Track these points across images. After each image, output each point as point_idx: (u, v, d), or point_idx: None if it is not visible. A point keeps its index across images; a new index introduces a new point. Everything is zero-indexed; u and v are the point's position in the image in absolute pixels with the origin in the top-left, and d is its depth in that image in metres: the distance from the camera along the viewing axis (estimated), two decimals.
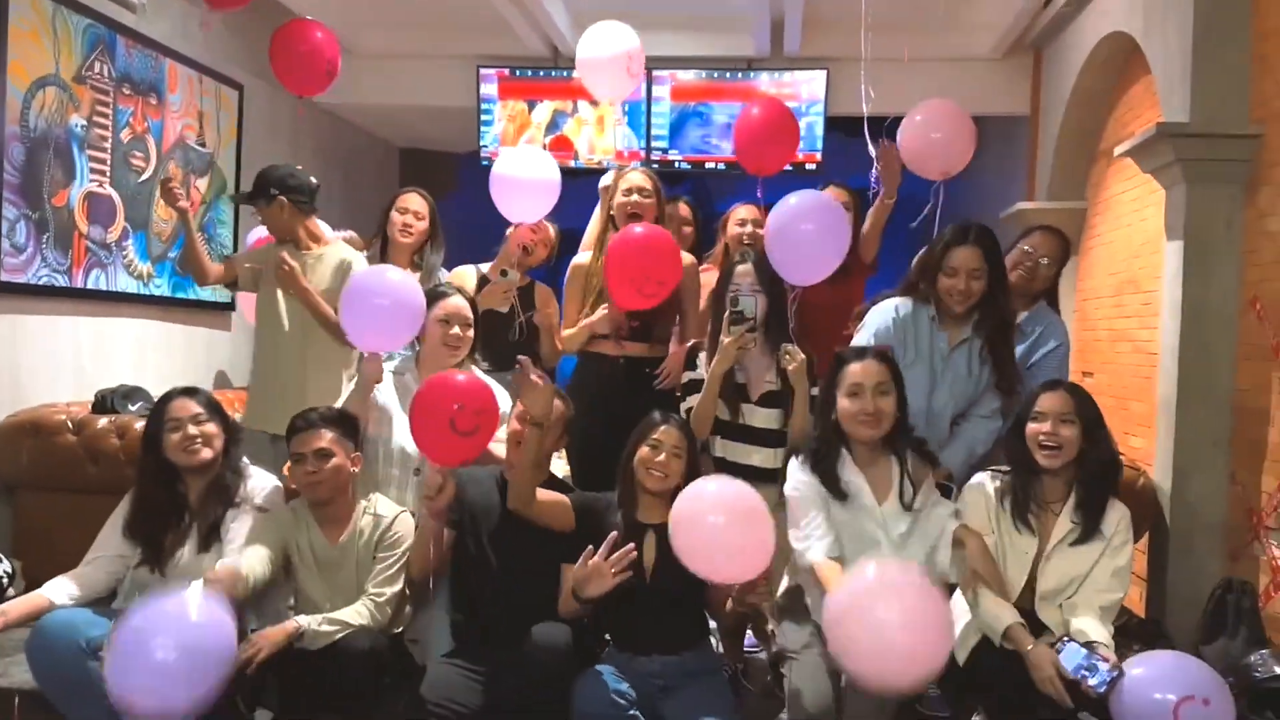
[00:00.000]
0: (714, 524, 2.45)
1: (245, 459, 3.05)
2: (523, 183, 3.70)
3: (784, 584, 2.86)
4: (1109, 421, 4.77)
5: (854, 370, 2.73)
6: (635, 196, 3.64)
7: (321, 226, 3.90)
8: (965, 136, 3.56)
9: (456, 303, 3.24)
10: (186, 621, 2.26)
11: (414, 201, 4.01)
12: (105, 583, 2.93)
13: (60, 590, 2.86)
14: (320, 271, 3.68)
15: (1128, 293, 4.90)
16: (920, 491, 2.74)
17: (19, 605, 2.83)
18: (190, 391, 3.00)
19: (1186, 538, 3.67)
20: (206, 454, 2.91)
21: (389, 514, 2.90)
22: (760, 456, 3.14)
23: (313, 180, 3.70)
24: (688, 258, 3.57)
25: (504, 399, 3.19)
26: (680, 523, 2.50)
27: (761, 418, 3.13)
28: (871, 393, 2.70)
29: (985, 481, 2.85)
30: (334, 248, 3.77)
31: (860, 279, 3.81)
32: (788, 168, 6.29)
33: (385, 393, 3.26)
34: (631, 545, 2.59)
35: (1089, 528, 2.74)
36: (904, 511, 2.72)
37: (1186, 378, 3.71)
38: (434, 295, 3.25)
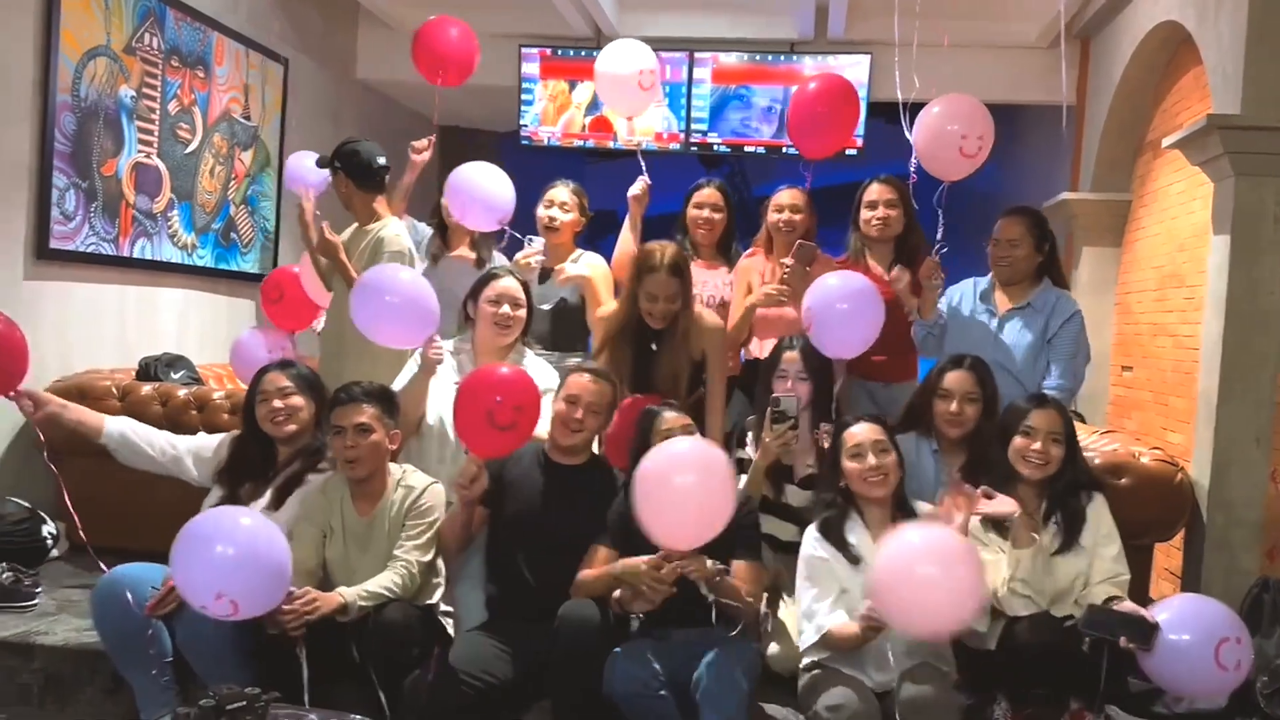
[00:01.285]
0: (681, 485, 2.47)
1: None
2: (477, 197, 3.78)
3: (806, 661, 2.82)
4: (1149, 416, 4.76)
5: (853, 433, 2.84)
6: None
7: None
8: (984, 137, 3.48)
9: (506, 283, 3.31)
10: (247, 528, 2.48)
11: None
12: (153, 443, 3.13)
13: (117, 420, 3.16)
14: (358, 244, 3.69)
15: (1170, 287, 4.84)
16: None
17: (76, 410, 3.15)
18: (284, 365, 3.14)
19: (1223, 535, 3.64)
20: (291, 427, 3.02)
21: (419, 485, 2.94)
22: (790, 532, 3.13)
23: (380, 161, 3.70)
24: (712, 318, 3.53)
25: (551, 378, 3.25)
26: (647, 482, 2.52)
27: (800, 498, 3.16)
28: (872, 451, 2.79)
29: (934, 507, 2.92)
30: (384, 224, 3.74)
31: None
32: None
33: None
34: (675, 564, 2.58)
35: (1069, 540, 2.86)
36: None
37: (1228, 374, 3.66)
38: (486, 277, 3.35)
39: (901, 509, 2.85)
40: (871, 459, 2.78)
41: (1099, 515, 2.92)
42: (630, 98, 3.89)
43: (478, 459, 2.75)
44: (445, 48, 4.13)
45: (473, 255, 3.99)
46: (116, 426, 3.14)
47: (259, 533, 2.50)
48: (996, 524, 2.88)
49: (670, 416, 2.91)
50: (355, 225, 3.75)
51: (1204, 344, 3.87)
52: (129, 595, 2.77)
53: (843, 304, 3.16)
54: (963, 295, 3.64)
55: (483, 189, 3.80)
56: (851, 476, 2.82)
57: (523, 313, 3.32)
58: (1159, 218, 5.11)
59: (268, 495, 2.99)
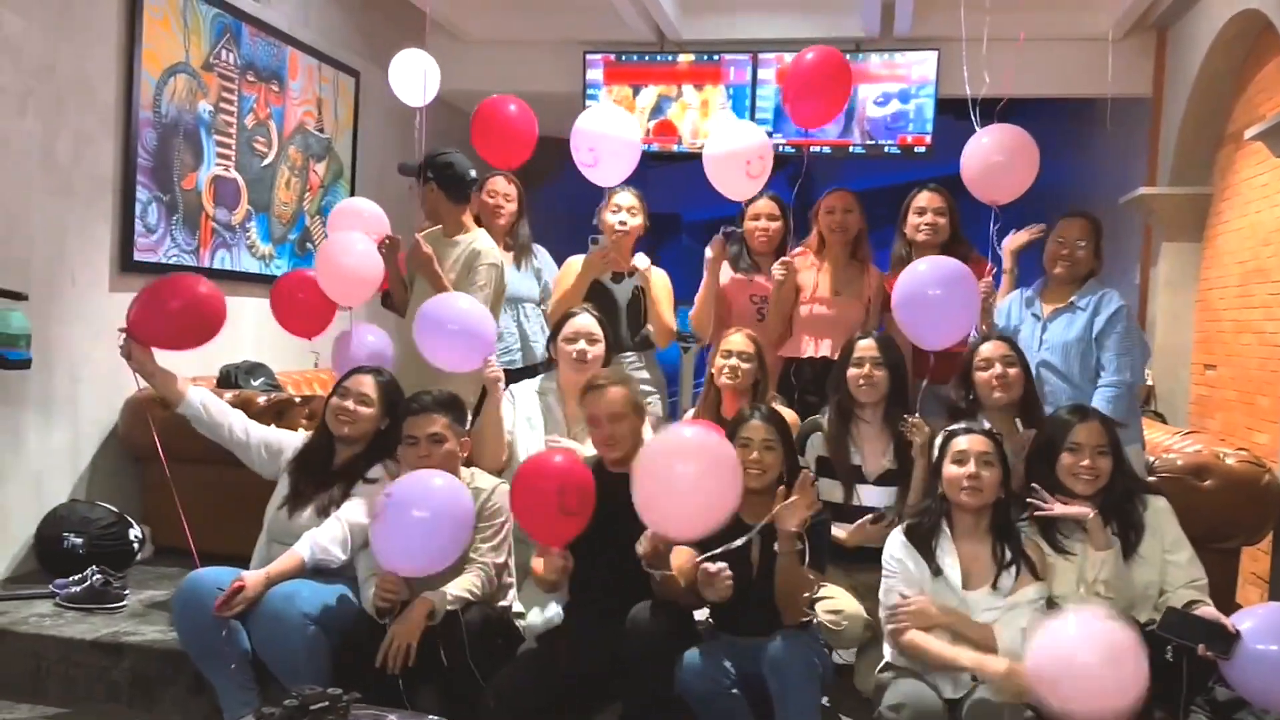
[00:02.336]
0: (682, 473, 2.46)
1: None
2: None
3: (886, 658, 2.80)
4: (1233, 416, 4.63)
5: (961, 440, 2.79)
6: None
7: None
8: (1027, 165, 3.46)
9: (580, 320, 3.38)
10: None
11: (500, 184, 4.10)
12: (224, 421, 3.28)
13: (198, 391, 3.31)
14: (450, 255, 3.70)
15: (1255, 282, 4.69)
16: (1017, 578, 2.72)
17: (164, 373, 3.27)
18: (375, 371, 3.22)
19: None
20: (345, 430, 3.11)
21: (487, 486, 2.99)
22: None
23: (471, 174, 3.74)
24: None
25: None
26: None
27: (876, 496, 3.13)
28: (976, 460, 2.73)
29: (1023, 529, 2.86)
30: (473, 237, 3.77)
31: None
32: (895, 150, 6.26)
33: (519, 411, 3.40)
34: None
35: (1127, 550, 2.80)
36: (994, 595, 2.70)
37: None
38: (564, 317, 3.43)
39: (998, 528, 2.77)
40: (972, 466, 2.73)
41: (1160, 521, 2.84)
42: (735, 180, 3.73)
43: (566, 554, 2.75)
44: (506, 126, 3.99)
45: (510, 253, 4.06)
46: (198, 396, 3.27)
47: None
48: (1046, 531, 2.82)
49: (752, 425, 2.87)
50: (433, 235, 3.75)
51: None
52: (217, 596, 2.84)
53: (936, 289, 3.11)
54: (1009, 309, 3.64)
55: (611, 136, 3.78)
56: (949, 481, 2.76)
57: (600, 348, 3.36)
58: (1241, 211, 4.97)
59: (318, 502, 3.06)
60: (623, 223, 3.85)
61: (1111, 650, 2.27)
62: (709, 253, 3.80)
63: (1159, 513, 2.86)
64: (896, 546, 2.80)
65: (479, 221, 4.00)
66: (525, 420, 3.42)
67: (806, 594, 2.71)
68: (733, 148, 3.66)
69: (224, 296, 3.32)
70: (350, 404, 3.10)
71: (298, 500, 3.09)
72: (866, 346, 3.20)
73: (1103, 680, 2.25)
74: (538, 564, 2.84)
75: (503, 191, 4.10)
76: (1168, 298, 5.62)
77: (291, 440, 3.29)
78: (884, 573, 2.80)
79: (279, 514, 3.11)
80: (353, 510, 2.99)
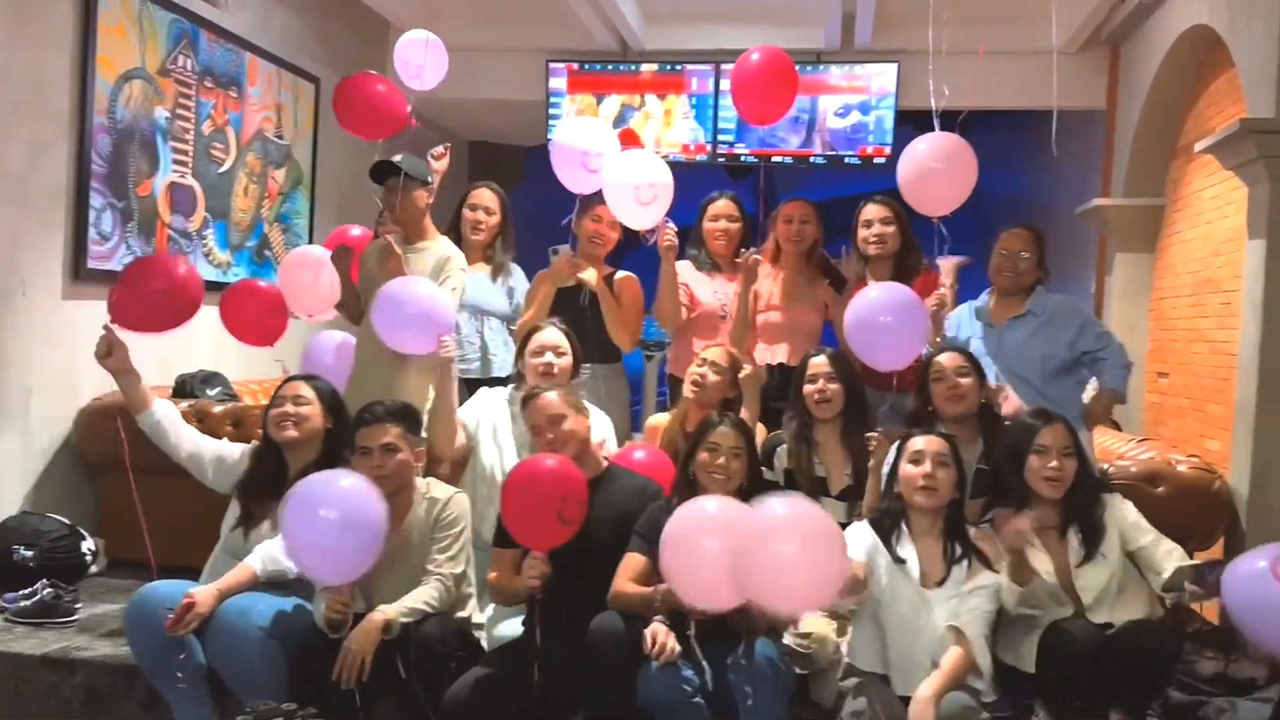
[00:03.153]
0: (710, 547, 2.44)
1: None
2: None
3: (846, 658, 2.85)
4: (1186, 423, 4.70)
5: (917, 440, 2.85)
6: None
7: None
8: (967, 174, 3.40)
9: (545, 334, 3.39)
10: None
11: (485, 197, 4.00)
12: (184, 440, 3.21)
13: (164, 405, 3.25)
14: (422, 264, 3.62)
15: (1206, 292, 4.78)
16: (969, 570, 2.78)
17: (135, 379, 3.21)
18: (310, 377, 3.20)
19: (1263, 542, 3.57)
20: (292, 433, 3.05)
21: (443, 496, 2.96)
22: None
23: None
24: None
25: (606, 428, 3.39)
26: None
27: (837, 510, 3.16)
28: (931, 460, 2.79)
29: (985, 527, 2.93)
30: (440, 243, 3.72)
31: (919, 287, 3.79)
32: (855, 161, 6.31)
33: (482, 416, 3.39)
34: None
35: (1090, 551, 2.88)
36: (948, 590, 2.75)
37: (1267, 380, 3.61)
38: (529, 332, 3.44)
39: (953, 530, 2.83)
40: (928, 466, 2.78)
41: (1120, 516, 2.93)
42: (629, 210, 3.68)
43: (546, 559, 2.73)
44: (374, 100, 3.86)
45: (488, 268, 4.01)
46: (163, 408, 3.22)
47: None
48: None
49: (722, 432, 2.89)
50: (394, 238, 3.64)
51: (1241, 349, 3.82)
52: (168, 611, 2.79)
53: (885, 316, 3.16)
54: (959, 321, 3.71)
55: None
56: (905, 481, 2.82)
57: (567, 360, 3.35)
58: (1193, 222, 5.06)
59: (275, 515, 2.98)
60: (602, 235, 3.86)
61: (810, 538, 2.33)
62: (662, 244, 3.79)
63: (1117, 510, 2.94)
64: (863, 531, 2.84)
65: (455, 231, 3.98)
66: (491, 424, 3.40)
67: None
68: (618, 179, 3.60)
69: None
70: (289, 407, 3.06)
71: (251, 520, 3.04)
72: (819, 363, 3.25)
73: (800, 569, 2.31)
74: (500, 574, 2.83)
75: (485, 205, 4.00)
76: (1122, 307, 5.71)
77: (235, 452, 3.22)
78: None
79: (234, 534, 3.06)
80: None
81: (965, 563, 2.78)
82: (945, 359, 3.22)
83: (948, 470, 2.80)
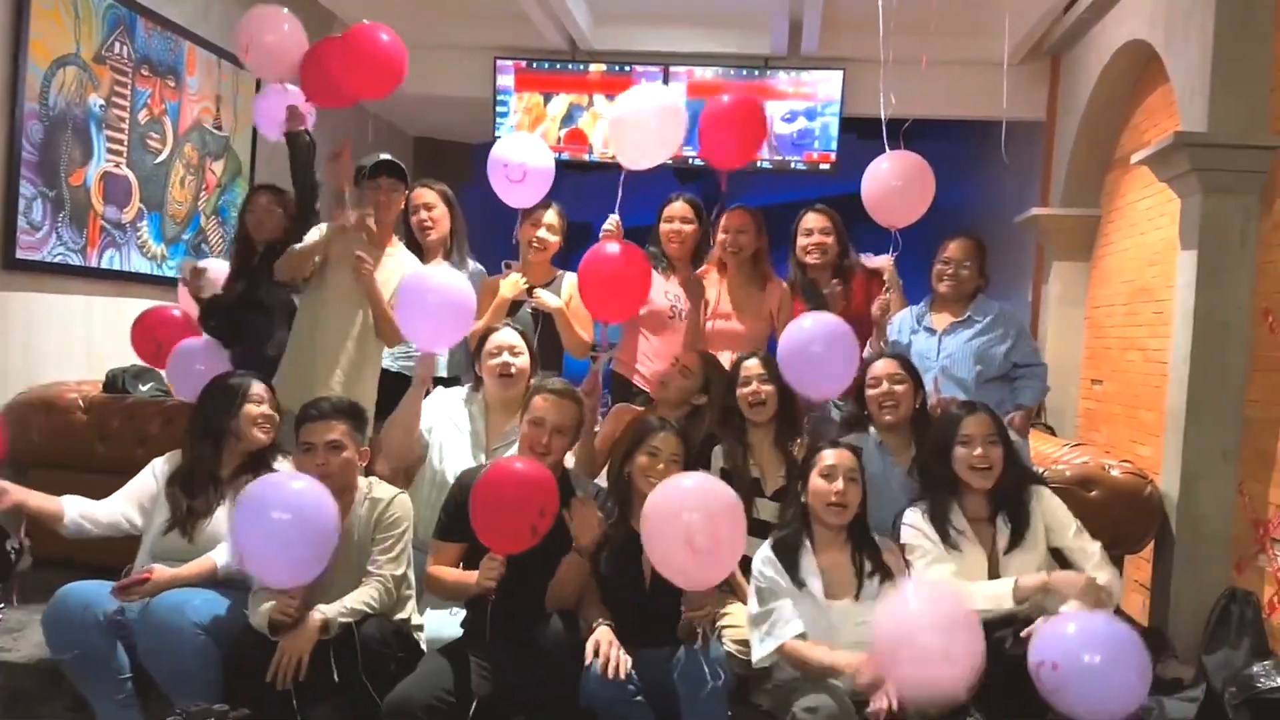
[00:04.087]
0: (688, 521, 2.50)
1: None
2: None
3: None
4: (1118, 429, 4.80)
5: (828, 454, 2.85)
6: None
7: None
8: (923, 191, 3.61)
9: (501, 335, 3.35)
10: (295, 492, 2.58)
11: (425, 195, 3.93)
12: (109, 522, 2.96)
13: (73, 504, 2.93)
14: (389, 268, 3.60)
15: (1140, 301, 4.89)
16: (879, 582, 2.80)
17: (37, 499, 2.90)
18: (262, 379, 3.12)
19: (1192, 547, 3.67)
20: (265, 439, 3.01)
21: (385, 496, 2.92)
22: None
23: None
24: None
25: None
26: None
27: (772, 511, 3.18)
28: (843, 476, 2.80)
29: (917, 518, 2.97)
30: (401, 250, 3.72)
31: (857, 286, 3.84)
32: (801, 167, 6.36)
33: (436, 417, 3.34)
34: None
35: (1016, 535, 2.92)
36: (858, 605, 2.76)
37: (1197, 388, 3.71)
38: (485, 335, 3.40)
39: (856, 539, 2.85)
40: (840, 484, 2.79)
41: (1047, 509, 2.97)
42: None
43: (501, 558, 2.69)
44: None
45: (446, 265, 3.96)
46: (74, 509, 2.93)
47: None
48: (938, 524, 2.92)
49: (664, 437, 2.89)
50: (359, 243, 3.57)
51: (1173, 359, 3.91)
52: (90, 611, 2.73)
53: (816, 346, 3.20)
54: (901, 325, 3.79)
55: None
56: (814, 494, 2.83)
57: (524, 359, 3.32)
58: (1128, 233, 5.18)
59: (224, 509, 2.93)
60: (542, 240, 3.84)
61: (947, 622, 2.37)
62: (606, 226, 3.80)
63: (1045, 503, 2.98)
64: (763, 561, 2.84)
65: (409, 237, 3.94)
66: (452, 423, 3.35)
67: (709, 610, 2.73)
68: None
69: None
70: (267, 409, 3.00)
71: (192, 516, 2.93)
72: (752, 366, 3.27)
73: (938, 651, 2.34)
74: (449, 572, 2.80)
75: (425, 202, 3.91)
76: (1058, 314, 5.83)
77: (145, 478, 3.06)
78: (752, 582, 2.85)
79: (168, 537, 2.93)
80: None
81: (876, 579, 2.79)
82: (881, 366, 3.26)
83: (856, 486, 2.82)
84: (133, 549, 3.01)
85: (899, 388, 3.21)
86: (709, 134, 3.76)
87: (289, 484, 2.62)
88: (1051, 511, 2.98)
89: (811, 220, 3.88)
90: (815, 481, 2.83)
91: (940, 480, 2.97)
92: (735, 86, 6.36)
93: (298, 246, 3.51)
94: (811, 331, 3.23)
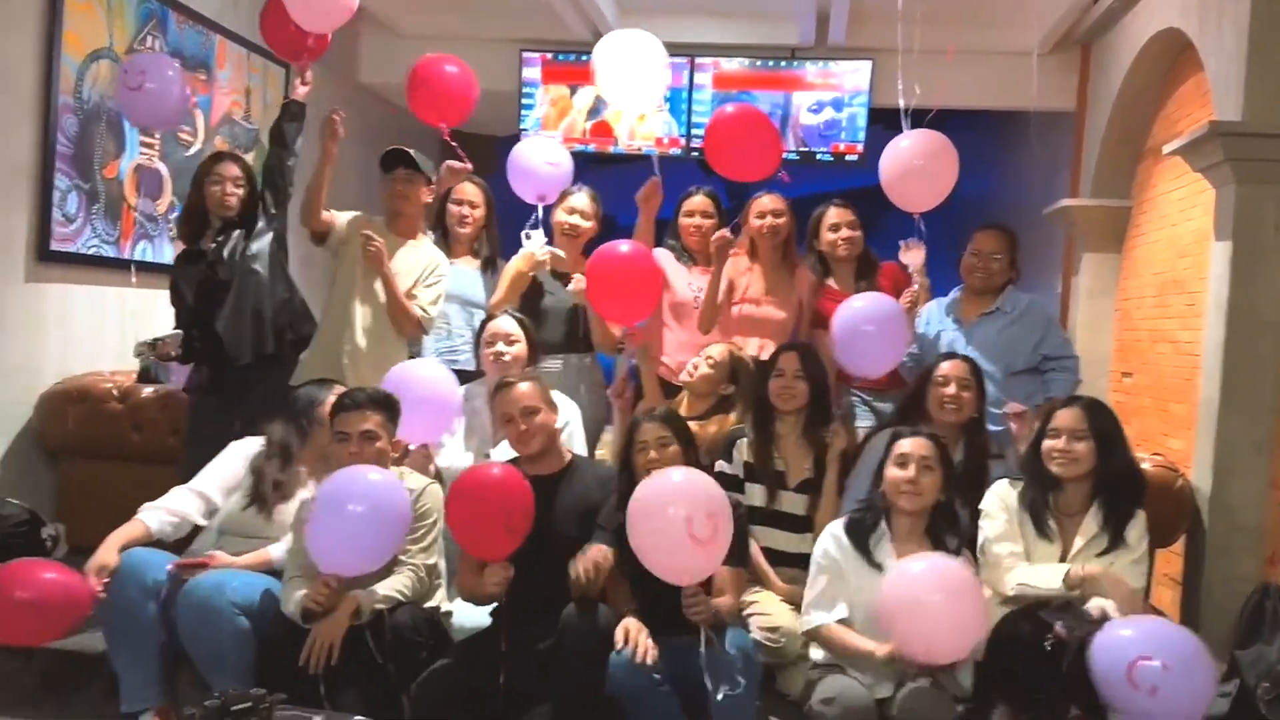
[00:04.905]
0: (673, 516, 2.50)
1: None
2: None
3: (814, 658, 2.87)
4: (1148, 422, 4.76)
5: (904, 443, 2.83)
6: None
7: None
8: (947, 171, 3.50)
9: (497, 323, 3.41)
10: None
11: (469, 191, 3.97)
12: (198, 514, 3.01)
13: (153, 516, 2.96)
14: (412, 261, 3.65)
15: (1171, 293, 4.84)
16: None
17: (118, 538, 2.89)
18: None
19: (1224, 542, 3.64)
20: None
21: (417, 486, 2.94)
22: (788, 541, 3.18)
23: None
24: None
25: (571, 411, 3.38)
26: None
27: (795, 503, 3.18)
28: (916, 465, 2.78)
29: (1006, 490, 2.97)
30: (426, 244, 3.76)
31: (883, 280, 3.83)
32: (828, 158, 6.33)
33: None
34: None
35: (1115, 538, 2.87)
36: None
37: (1230, 381, 3.67)
38: (484, 321, 3.46)
39: (935, 531, 2.82)
40: (912, 471, 2.77)
41: (1139, 529, 2.90)
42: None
43: (507, 565, 2.72)
44: (444, 87, 3.87)
45: (477, 261, 3.99)
46: (155, 521, 2.96)
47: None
48: (1042, 526, 2.90)
49: (645, 428, 2.90)
50: (379, 229, 3.64)
51: (1205, 350, 3.87)
52: (142, 574, 2.80)
53: (869, 326, 3.26)
54: (929, 317, 3.77)
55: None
56: (890, 483, 2.81)
57: (520, 348, 3.36)
58: (1159, 224, 5.12)
59: (304, 492, 3.01)
60: (573, 226, 3.84)
61: (951, 587, 2.48)
62: (641, 193, 3.80)
63: (1137, 522, 2.91)
64: (830, 541, 2.83)
65: (440, 225, 3.97)
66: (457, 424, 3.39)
67: (731, 602, 2.76)
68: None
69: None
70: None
71: (276, 492, 3.00)
72: (788, 358, 3.26)
73: (943, 617, 2.46)
74: (465, 576, 2.83)
75: (469, 199, 3.97)
76: (1088, 307, 5.78)
77: (234, 463, 3.11)
78: (812, 565, 2.84)
79: (245, 513, 3.02)
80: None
81: None
82: (950, 367, 3.23)
83: (933, 474, 2.78)
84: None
85: (966, 394, 3.20)
86: (720, 151, 3.65)
87: (366, 475, 2.69)
88: (1138, 530, 2.91)
89: (838, 214, 3.86)
90: (890, 471, 2.81)
91: (1034, 473, 2.95)
92: (762, 78, 6.35)
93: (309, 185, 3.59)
94: (864, 311, 3.28)
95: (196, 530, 3.07)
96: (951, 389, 3.19)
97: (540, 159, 3.88)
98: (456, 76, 3.85)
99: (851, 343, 3.32)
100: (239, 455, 3.13)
